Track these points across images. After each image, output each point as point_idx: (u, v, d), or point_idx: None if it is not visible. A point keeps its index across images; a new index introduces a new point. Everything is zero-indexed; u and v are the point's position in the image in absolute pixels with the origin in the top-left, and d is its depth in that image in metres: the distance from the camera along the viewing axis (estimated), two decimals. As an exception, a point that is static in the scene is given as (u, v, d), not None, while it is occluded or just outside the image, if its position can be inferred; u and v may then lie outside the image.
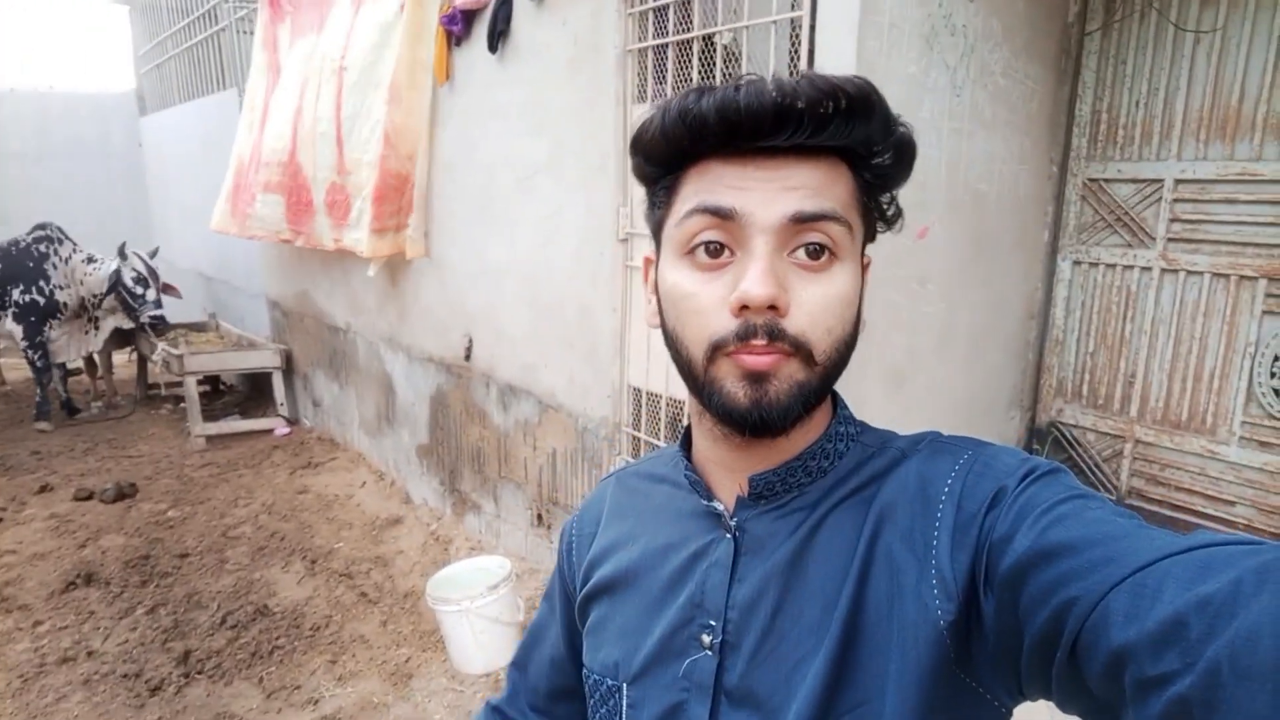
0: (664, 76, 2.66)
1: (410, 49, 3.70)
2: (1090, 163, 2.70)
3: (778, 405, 0.58)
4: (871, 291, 2.23)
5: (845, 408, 0.69)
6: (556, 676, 0.84)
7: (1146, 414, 2.66)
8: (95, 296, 5.90)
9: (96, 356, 6.51)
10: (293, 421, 5.91)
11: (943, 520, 0.58)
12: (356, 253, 4.21)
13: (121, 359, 7.26)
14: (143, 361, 6.69)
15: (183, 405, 5.84)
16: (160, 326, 6.02)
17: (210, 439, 5.58)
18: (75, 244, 5.94)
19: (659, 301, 0.65)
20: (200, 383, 6.44)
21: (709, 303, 0.59)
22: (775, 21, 2.25)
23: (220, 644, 3.14)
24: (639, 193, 2.67)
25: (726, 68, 2.49)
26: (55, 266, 5.77)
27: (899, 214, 0.66)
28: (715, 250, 0.59)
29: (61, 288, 5.80)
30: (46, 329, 5.82)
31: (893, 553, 0.59)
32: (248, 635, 3.21)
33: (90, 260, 5.89)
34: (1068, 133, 2.72)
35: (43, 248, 5.77)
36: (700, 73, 2.51)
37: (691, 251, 0.60)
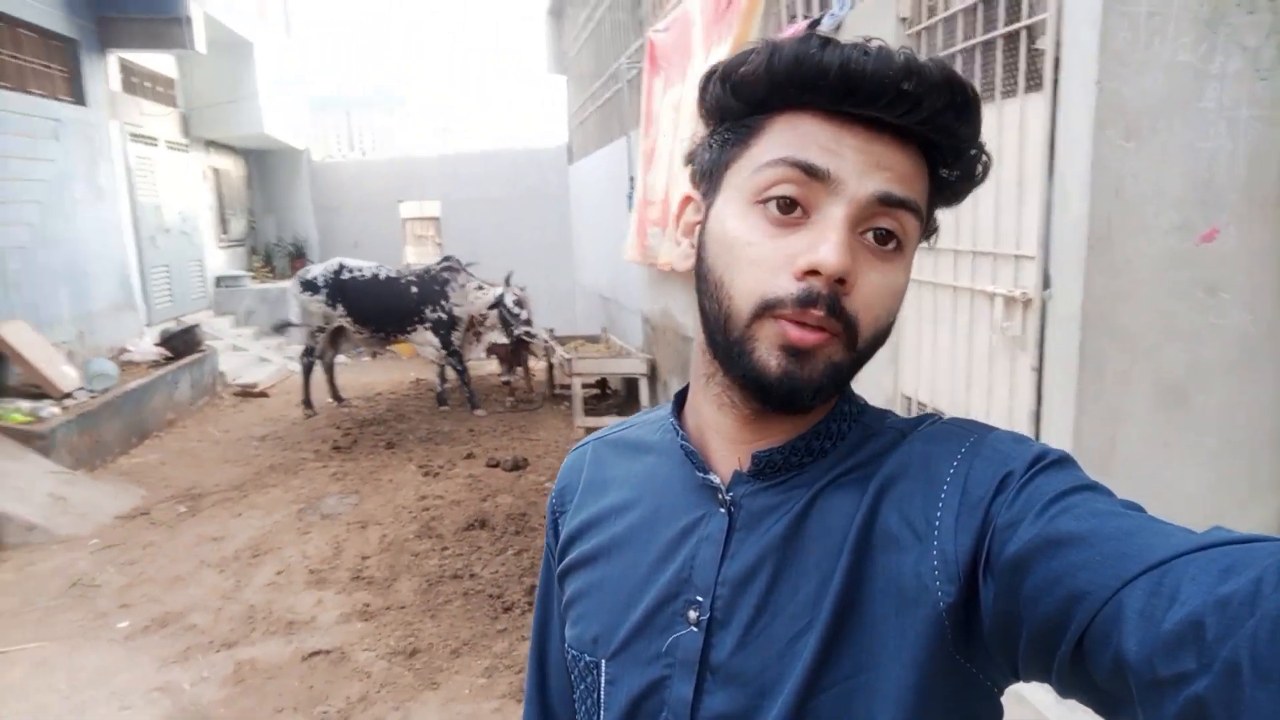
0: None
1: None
2: None
3: (810, 384, 0.56)
4: (1139, 299, 2.11)
5: (849, 386, 0.66)
6: None
7: None
8: (482, 315, 7.50)
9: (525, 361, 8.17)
10: (653, 420, 6.78)
11: (946, 502, 0.55)
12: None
13: (537, 364, 8.93)
14: (550, 367, 8.19)
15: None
16: (530, 340, 7.42)
17: (588, 430, 6.67)
18: (470, 274, 7.65)
19: (702, 243, 0.62)
20: (590, 385, 7.70)
21: (771, 257, 0.56)
22: (1028, 26, 2.23)
23: (557, 585, 3.89)
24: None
25: (1007, 72, 2.49)
26: (453, 290, 7.50)
27: (936, 229, 0.64)
28: (788, 206, 0.56)
29: (458, 305, 7.49)
30: (454, 340, 7.51)
31: (891, 530, 0.57)
32: (578, 583, 3.92)
33: (480, 287, 7.56)
34: None
35: (445, 275, 7.55)
36: (977, 86, 2.54)
37: (764, 201, 0.57)
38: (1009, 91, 2.36)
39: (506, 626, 3.51)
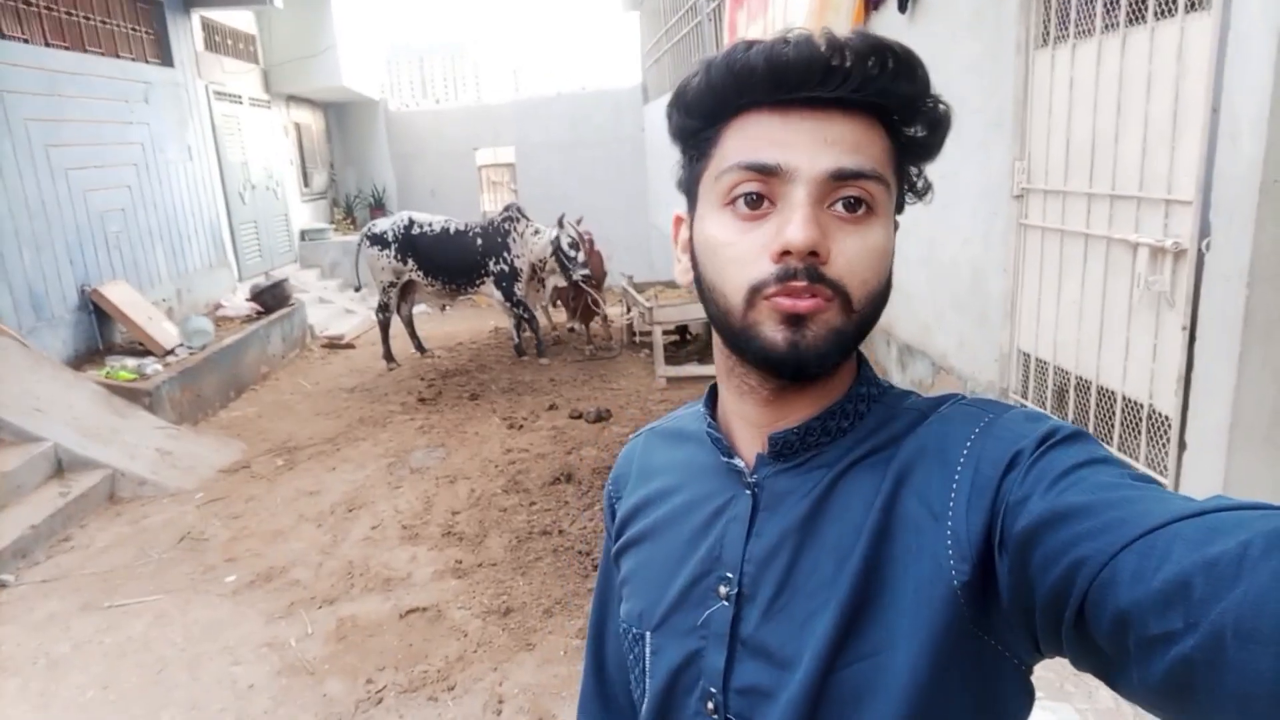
0: (1068, 15, 2.43)
1: (821, 16, 3.87)
2: None
3: (815, 349, 0.59)
4: None
5: (869, 368, 0.69)
6: None
7: None
8: (541, 260, 7.37)
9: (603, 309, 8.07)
10: (736, 370, 6.63)
11: (960, 482, 0.58)
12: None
13: (617, 311, 8.85)
14: (629, 311, 8.07)
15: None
16: (586, 285, 7.32)
17: (670, 380, 6.58)
18: (529, 220, 7.47)
19: (694, 255, 0.66)
20: (671, 332, 7.57)
21: (748, 250, 0.60)
22: (1192, -67, 1.93)
23: (647, 543, 3.84)
24: (1036, 147, 2.60)
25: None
26: (514, 240, 7.37)
27: (929, 187, 0.66)
28: (755, 201, 0.60)
29: (519, 256, 7.38)
30: (517, 291, 7.44)
31: (910, 512, 0.60)
32: (668, 541, 3.86)
33: (536, 231, 7.38)
34: None
35: (506, 225, 7.41)
36: (1123, 6, 2.23)
37: (731, 202, 0.61)
38: (1165, 11, 2.06)
39: (598, 586, 3.49)
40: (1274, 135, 1.77)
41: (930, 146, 0.63)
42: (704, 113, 0.63)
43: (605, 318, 8.18)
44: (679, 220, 0.70)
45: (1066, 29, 2.44)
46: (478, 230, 7.53)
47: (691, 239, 0.67)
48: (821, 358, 0.60)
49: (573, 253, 7.25)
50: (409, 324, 8.00)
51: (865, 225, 0.60)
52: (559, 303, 8.31)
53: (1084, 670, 0.51)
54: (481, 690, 2.81)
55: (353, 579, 3.62)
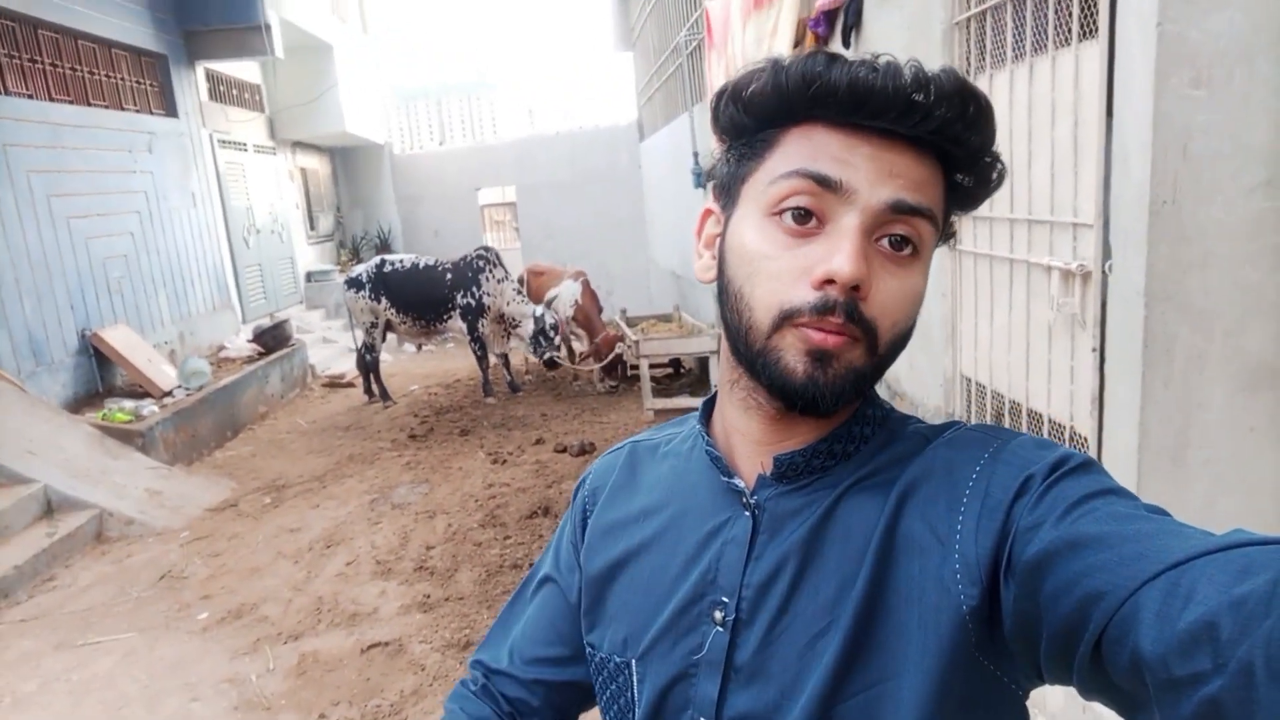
0: (985, 45, 2.48)
1: (772, 46, 3.95)
2: None
3: (832, 387, 0.57)
4: (1215, 270, 1.85)
5: (874, 390, 0.67)
6: (552, 639, 0.79)
7: None
8: (514, 320, 7.53)
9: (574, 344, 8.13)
10: (724, 401, 6.64)
11: (968, 506, 0.56)
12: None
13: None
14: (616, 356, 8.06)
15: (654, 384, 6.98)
16: (557, 366, 7.73)
17: (657, 412, 6.61)
18: (506, 271, 7.65)
19: (722, 255, 0.63)
20: (664, 365, 7.60)
21: (788, 269, 0.57)
22: (1081, -35, 1.98)
23: (616, 576, 3.85)
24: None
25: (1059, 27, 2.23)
26: (486, 279, 7.51)
27: (952, 234, 0.64)
28: (803, 217, 0.57)
29: (489, 294, 7.51)
30: (480, 326, 7.55)
31: (915, 535, 0.58)
32: (637, 573, 3.86)
33: (519, 291, 7.60)
34: None
35: (479, 263, 7.56)
36: (1028, 36, 2.28)
37: (779, 213, 0.58)
38: (1062, 41, 2.11)
39: (562, 619, 3.49)
40: (1159, 158, 1.80)
41: (974, 199, 0.62)
42: (763, 114, 0.60)
43: (572, 354, 8.10)
44: (708, 213, 0.67)
45: (984, 59, 2.49)
46: (447, 266, 7.69)
47: (723, 238, 0.64)
48: (837, 397, 0.58)
49: (553, 334, 7.41)
50: (374, 369, 7.91)
51: (908, 267, 0.58)
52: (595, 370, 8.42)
53: (1093, 700, 0.50)
54: (431, 724, 2.82)
55: (320, 615, 3.65)
